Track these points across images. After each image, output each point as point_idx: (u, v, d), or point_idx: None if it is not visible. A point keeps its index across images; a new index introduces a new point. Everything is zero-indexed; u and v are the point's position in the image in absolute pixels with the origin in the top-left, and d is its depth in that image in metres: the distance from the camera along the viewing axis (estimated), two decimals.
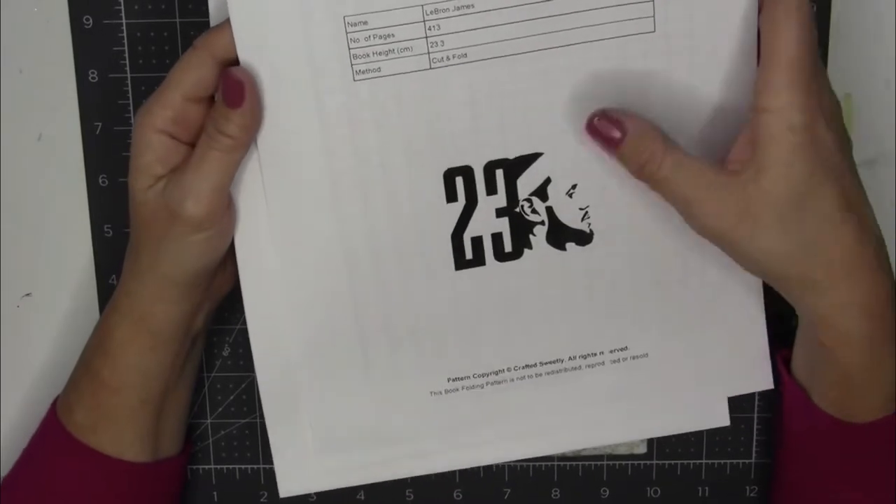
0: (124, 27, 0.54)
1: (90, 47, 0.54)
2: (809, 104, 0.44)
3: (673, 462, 0.59)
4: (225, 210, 0.48)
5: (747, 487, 0.59)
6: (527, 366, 0.53)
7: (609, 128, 0.47)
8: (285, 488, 0.54)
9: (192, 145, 0.48)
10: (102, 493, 0.52)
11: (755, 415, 0.58)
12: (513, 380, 0.53)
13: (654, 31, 0.48)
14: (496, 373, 0.53)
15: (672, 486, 0.59)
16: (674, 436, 0.58)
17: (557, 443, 0.55)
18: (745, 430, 0.58)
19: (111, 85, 0.55)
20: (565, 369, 0.53)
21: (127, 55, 0.54)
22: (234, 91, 0.46)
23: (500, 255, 0.51)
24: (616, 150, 0.47)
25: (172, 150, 0.47)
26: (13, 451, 0.54)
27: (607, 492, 0.60)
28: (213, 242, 0.48)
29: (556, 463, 0.59)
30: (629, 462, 0.59)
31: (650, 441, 0.58)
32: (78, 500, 0.51)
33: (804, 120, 0.44)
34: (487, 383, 0.53)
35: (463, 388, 0.53)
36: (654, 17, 0.47)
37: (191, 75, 0.46)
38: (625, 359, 0.53)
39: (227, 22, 0.46)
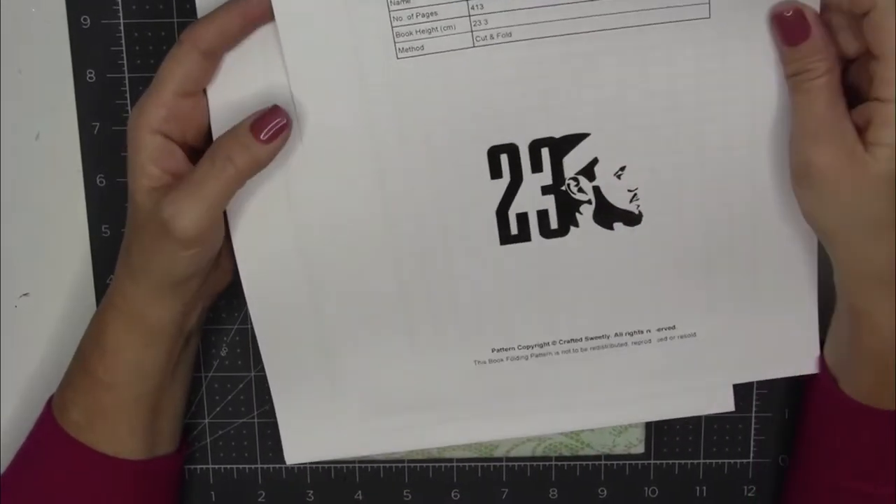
0: (122, 27, 0.54)
1: (88, 47, 0.54)
2: None
3: (671, 462, 0.59)
4: (216, 228, 0.48)
5: (745, 487, 0.59)
6: (572, 339, 0.53)
7: (794, 26, 0.46)
8: (291, 457, 0.55)
9: (184, 145, 0.48)
10: (98, 490, 0.52)
11: (753, 414, 0.58)
12: (557, 353, 0.53)
13: (710, 17, 0.47)
14: (540, 345, 0.53)
15: (670, 486, 0.59)
16: (671, 435, 0.58)
17: (581, 420, 0.55)
18: (744, 430, 0.58)
19: (109, 85, 0.55)
20: (611, 345, 0.53)
21: (125, 55, 0.54)
22: (275, 128, 0.46)
23: (546, 232, 0.51)
24: (792, 46, 0.46)
25: (165, 151, 0.47)
26: (12, 451, 0.54)
27: (605, 491, 0.60)
28: (200, 257, 0.48)
29: (553, 463, 0.59)
30: (627, 462, 0.59)
31: (648, 441, 0.58)
32: (74, 498, 0.52)
33: None
34: (532, 355, 0.53)
35: (507, 358, 0.53)
36: (709, 3, 0.47)
37: (179, 70, 0.46)
38: (672, 337, 0.53)
39: (211, 14, 0.46)
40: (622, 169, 0.50)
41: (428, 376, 0.54)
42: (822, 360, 0.53)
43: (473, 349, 0.53)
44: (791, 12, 0.46)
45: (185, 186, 0.46)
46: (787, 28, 0.46)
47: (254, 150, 0.46)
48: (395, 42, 0.47)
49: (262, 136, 0.46)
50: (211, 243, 0.48)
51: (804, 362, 0.54)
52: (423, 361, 0.53)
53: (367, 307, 0.52)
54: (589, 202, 0.51)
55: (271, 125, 0.46)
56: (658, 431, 0.58)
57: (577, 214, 0.51)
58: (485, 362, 0.54)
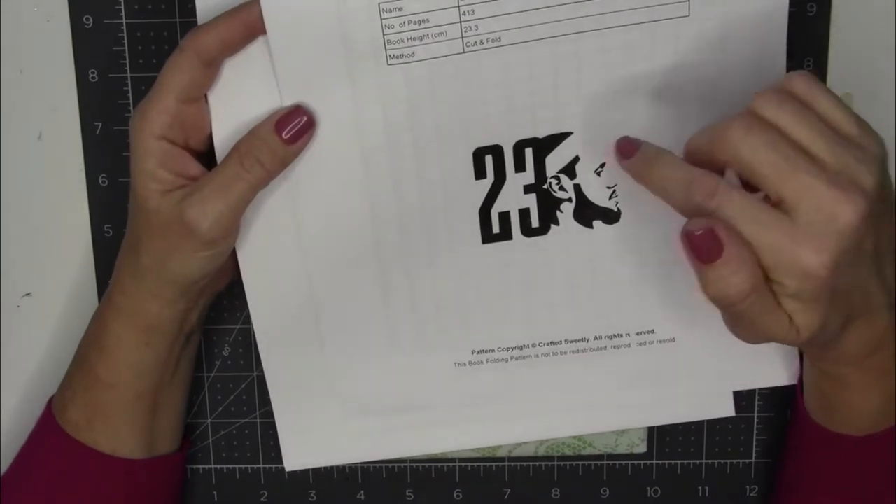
0: (124, 27, 0.54)
1: (90, 47, 0.54)
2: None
3: (673, 462, 0.59)
4: (235, 228, 0.48)
5: (747, 487, 0.59)
6: (552, 342, 0.53)
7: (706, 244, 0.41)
8: (290, 463, 0.55)
9: (186, 149, 0.48)
10: (98, 490, 0.52)
11: (755, 414, 0.58)
12: (537, 356, 0.53)
13: (689, 15, 0.48)
14: (520, 348, 0.53)
15: (672, 486, 0.59)
16: (674, 435, 0.58)
17: (568, 426, 0.55)
18: (746, 430, 0.58)
19: (111, 85, 0.55)
20: (590, 349, 0.53)
21: (127, 55, 0.54)
22: (299, 129, 0.47)
23: (527, 231, 0.51)
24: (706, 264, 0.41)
25: (172, 154, 0.47)
26: (13, 451, 0.54)
27: (607, 491, 0.60)
28: (217, 258, 0.49)
29: (556, 463, 0.59)
30: (629, 462, 0.59)
31: (650, 440, 0.58)
32: (74, 497, 0.52)
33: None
34: (512, 358, 0.53)
35: (487, 360, 0.53)
36: (689, 2, 0.47)
37: (182, 79, 0.46)
38: (651, 342, 0.53)
39: (213, 21, 0.46)
40: (602, 166, 0.50)
41: (408, 378, 0.54)
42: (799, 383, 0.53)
43: (453, 351, 0.53)
44: (701, 231, 0.40)
45: (210, 188, 0.46)
46: (698, 247, 0.41)
47: (281, 152, 0.47)
48: (385, 49, 0.48)
49: (284, 135, 0.47)
50: (229, 243, 0.48)
51: (782, 374, 0.54)
52: (405, 362, 0.53)
53: (353, 306, 0.52)
54: (569, 200, 0.51)
55: (293, 124, 0.47)
56: (660, 431, 0.58)
57: (558, 212, 0.51)
58: (464, 364, 0.54)
